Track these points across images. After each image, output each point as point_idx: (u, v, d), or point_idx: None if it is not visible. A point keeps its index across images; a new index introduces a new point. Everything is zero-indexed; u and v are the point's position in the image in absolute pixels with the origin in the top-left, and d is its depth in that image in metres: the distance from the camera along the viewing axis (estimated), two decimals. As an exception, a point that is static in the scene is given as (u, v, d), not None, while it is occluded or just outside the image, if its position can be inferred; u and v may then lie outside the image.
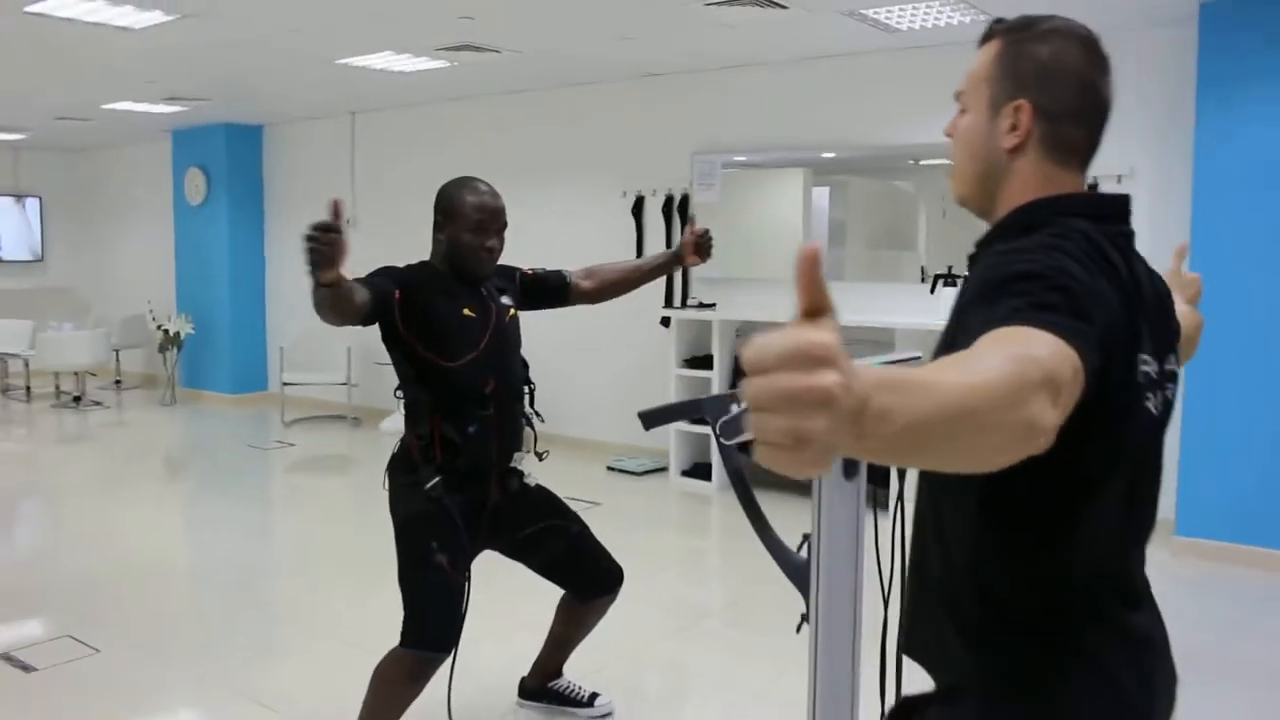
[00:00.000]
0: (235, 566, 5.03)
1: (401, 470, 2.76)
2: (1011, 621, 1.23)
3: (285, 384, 8.92)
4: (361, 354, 8.47)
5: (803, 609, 1.96)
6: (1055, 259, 1.11)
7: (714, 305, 6.67)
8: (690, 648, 3.99)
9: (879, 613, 1.80)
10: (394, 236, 8.02)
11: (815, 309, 0.73)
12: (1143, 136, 5.29)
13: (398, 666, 2.70)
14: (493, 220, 2.74)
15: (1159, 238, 5.12)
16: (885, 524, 1.99)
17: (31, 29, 5.49)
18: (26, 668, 3.66)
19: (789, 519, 1.94)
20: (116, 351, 10.41)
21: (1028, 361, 0.92)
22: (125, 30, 5.52)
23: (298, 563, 5.24)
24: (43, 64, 6.60)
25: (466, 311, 2.73)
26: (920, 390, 0.83)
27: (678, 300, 6.99)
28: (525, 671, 3.34)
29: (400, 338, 2.67)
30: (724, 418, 1.55)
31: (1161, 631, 1.32)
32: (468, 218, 2.71)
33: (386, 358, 2.75)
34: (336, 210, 2.13)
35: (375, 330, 2.69)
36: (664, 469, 6.76)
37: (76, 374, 9.91)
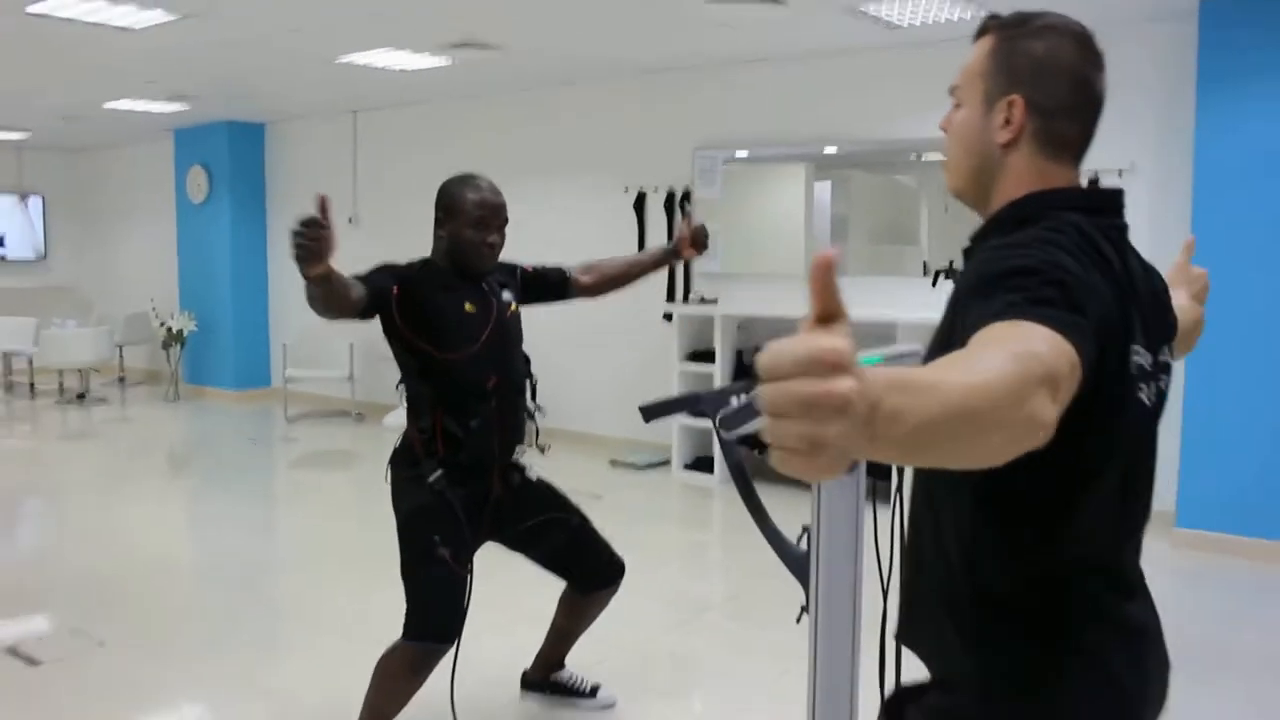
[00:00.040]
0: (239, 561, 5.05)
1: (404, 464, 2.78)
2: (1007, 612, 1.25)
3: (288, 380, 8.95)
4: (364, 350, 8.50)
5: (802, 601, 1.98)
6: (1049, 253, 1.12)
7: (716, 300, 6.68)
8: (692, 640, 4.01)
9: (878, 604, 1.81)
10: (396, 234, 8.03)
11: (828, 314, 0.74)
12: (1143, 131, 5.30)
13: (400, 659, 2.72)
14: (494, 216, 2.76)
15: (1159, 232, 5.17)
16: (884, 516, 2.01)
17: (33, 29, 5.50)
18: (32, 661, 3.69)
19: (789, 512, 1.96)
20: (120, 348, 10.44)
21: (1029, 358, 0.94)
22: (126, 30, 5.54)
23: (301, 557, 5.27)
24: (44, 64, 6.62)
25: (468, 307, 2.75)
26: (929, 391, 0.84)
27: (680, 295, 7.01)
28: (528, 664, 3.36)
29: (400, 333, 2.69)
30: (723, 411, 1.57)
31: (1155, 621, 1.34)
32: (469, 214, 2.73)
33: (389, 353, 2.77)
34: (323, 206, 2.15)
35: (378, 326, 2.71)
36: (666, 463, 6.77)
37: (80, 371, 9.94)
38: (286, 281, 9.65)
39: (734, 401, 1.65)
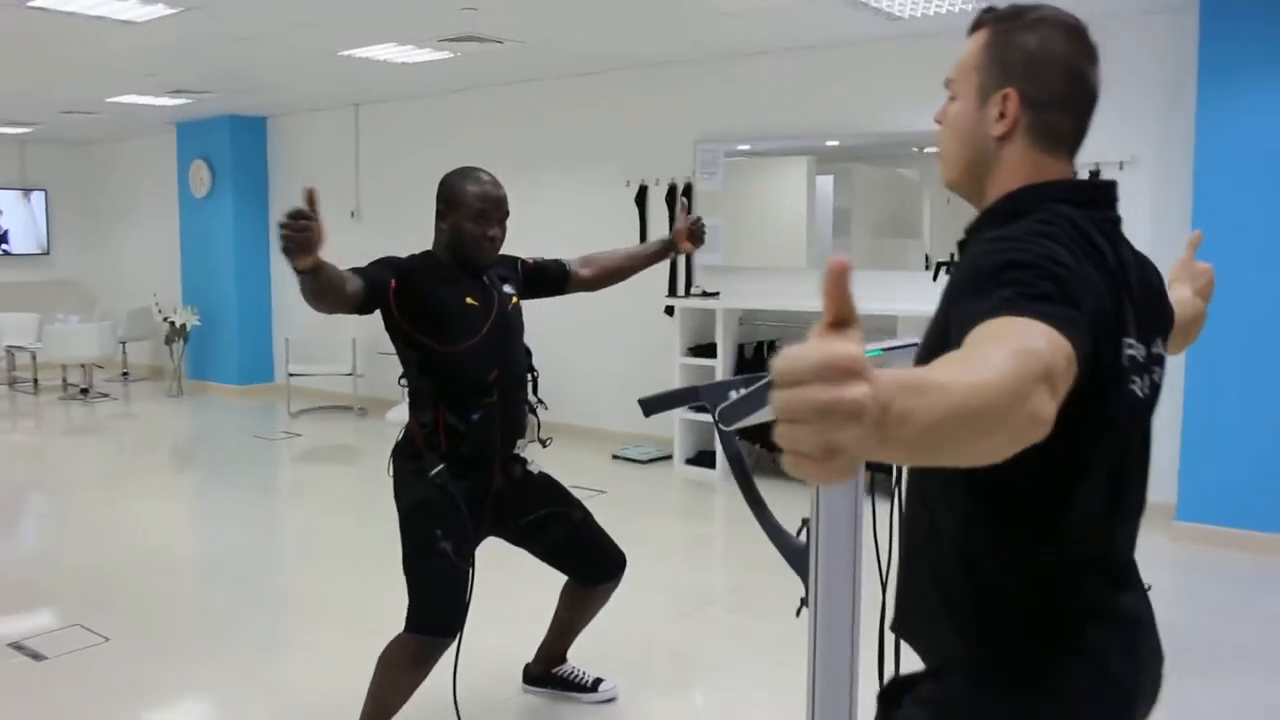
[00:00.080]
0: (242, 557, 5.07)
1: (406, 457, 2.79)
2: (1000, 604, 1.25)
3: (291, 375, 8.96)
4: (367, 345, 8.51)
5: (802, 593, 1.98)
6: (1044, 246, 1.13)
7: (718, 294, 6.68)
8: (694, 634, 4.02)
9: (878, 596, 1.82)
10: (398, 227, 8.06)
11: (842, 319, 0.75)
12: (1144, 124, 5.29)
13: (403, 651, 2.73)
14: (495, 209, 2.76)
15: (1161, 225, 5.16)
16: (883, 509, 2.01)
17: (35, 23, 5.51)
18: (37, 656, 3.70)
19: (788, 505, 1.96)
20: (123, 344, 10.45)
21: (1029, 355, 0.94)
22: (128, 24, 5.54)
23: (304, 553, 5.28)
24: (46, 58, 6.63)
25: (469, 300, 2.76)
26: (935, 391, 0.84)
27: (682, 289, 7.01)
28: (530, 658, 3.38)
29: (399, 326, 2.70)
30: (723, 404, 1.58)
31: (1148, 612, 1.34)
32: (470, 207, 2.74)
33: (391, 348, 2.78)
34: (311, 199, 2.16)
35: (380, 321, 2.72)
36: (669, 457, 6.78)
37: (83, 366, 9.96)
38: (289, 276, 9.60)
39: (733, 395, 1.66)
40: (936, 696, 1.31)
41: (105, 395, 9.97)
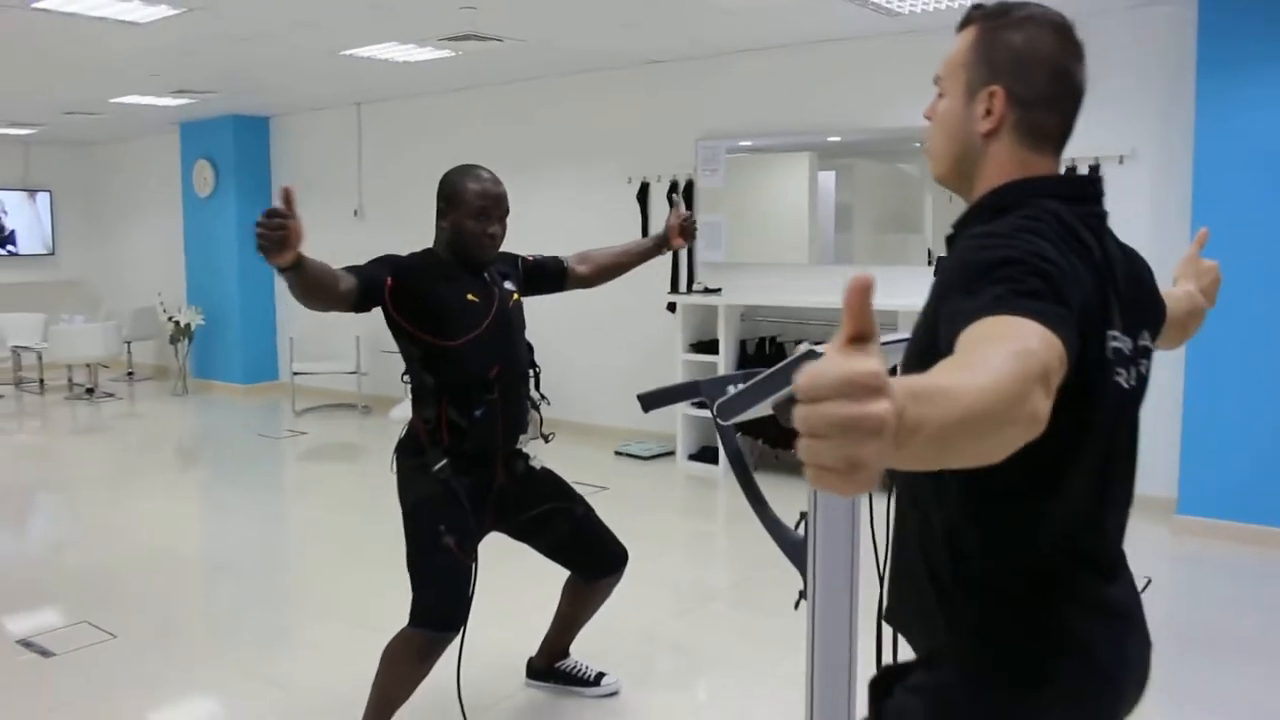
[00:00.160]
0: (248, 554, 5.10)
1: (409, 453, 2.81)
2: (989, 595, 1.27)
3: (295, 373, 8.99)
4: (371, 343, 8.53)
5: (801, 587, 2.00)
6: (1031, 242, 1.14)
7: (719, 290, 6.70)
8: (696, 629, 4.04)
9: (875, 588, 1.84)
10: (400, 225, 8.08)
11: (861, 334, 0.77)
12: (1144, 117, 5.29)
13: (407, 646, 2.75)
14: (495, 206, 2.78)
15: (1160, 219, 5.17)
16: (880, 502, 2.03)
17: (38, 25, 5.53)
18: (45, 653, 3.74)
19: (788, 499, 1.98)
20: (128, 343, 10.48)
21: (1026, 356, 0.96)
22: (131, 25, 5.57)
23: (309, 550, 5.31)
24: (50, 59, 6.66)
25: (470, 297, 2.78)
26: (942, 397, 0.86)
27: (683, 285, 7.02)
28: (533, 652, 3.40)
29: (398, 324, 2.72)
30: (721, 399, 1.59)
31: (1136, 601, 1.36)
32: (470, 204, 2.75)
33: (395, 346, 2.80)
34: (287, 197, 2.18)
35: (384, 318, 2.74)
36: (671, 453, 6.80)
37: (89, 366, 10.00)
38: (292, 275, 9.67)
39: (731, 390, 1.68)
40: (928, 685, 1.33)
41: (110, 395, 10.00)
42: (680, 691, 3.51)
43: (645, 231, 7.18)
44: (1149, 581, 4.18)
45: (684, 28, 5.99)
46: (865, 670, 1.65)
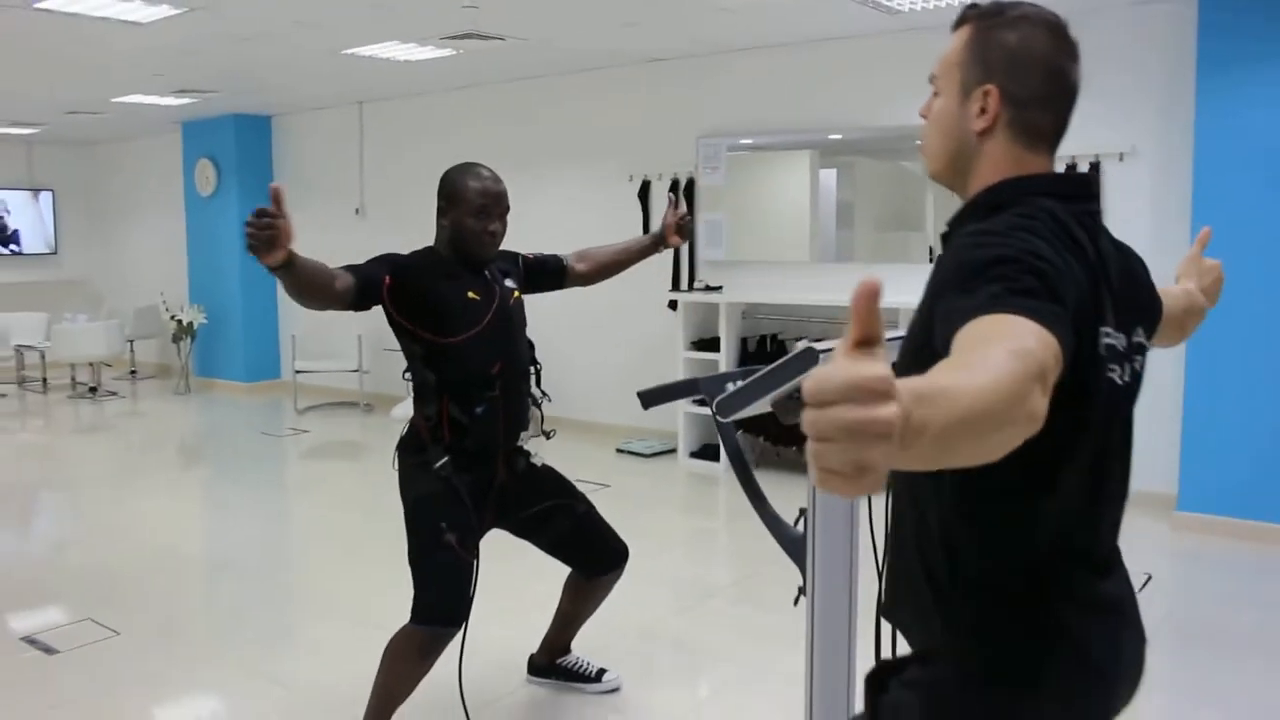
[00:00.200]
0: (250, 552, 5.11)
1: (410, 451, 2.82)
2: (984, 592, 1.27)
3: (298, 372, 9.00)
4: (373, 341, 8.55)
5: (800, 583, 2.01)
6: (1026, 240, 1.15)
7: (721, 288, 6.71)
8: (696, 625, 4.05)
9: (874, 584, 1.85)
10: (402, 224, 8.09)
11: (868, 338, 0.77)
12: (1144, 115, 5.29)
13: (408, 643, 2.76)
14: (495, 204, 2.79)
15: (1160, 216, 5.17)
16: (879, 498, 2.04)
17: (40, 25, 5.55)
18: (49, 650, 3.75)
19: (787, 496, 1.99)
20: (131, 342, 10.51)
21: (1024, 355, 0.96)
22: (133, 25, 5.58)
23: (311, 547, 5.32)
24: (52, 59, 6.67)
25: (471, 294, 2.79)
26: (944, 399, 0.87)
27: (684, 283, 7.03)
28: (534, 649, 3.41)
29: (398, 322, 2.73)
30: (721, 396, 1.60)
31: (1131, 597, 1.36)
32: (470, 202, 2.76)
33: (397, 344, 2.81)
34: (276, 196, 2.19)
35: (385, 317, 2.75)
36: (672, 451, 6.81)
37: (92, 365, 10.02)
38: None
39: (730, 387, 1.69)
40: (924, 680, 1.33)
41: (113, 393, 10.02)
42: (681, 688, 3.52)
43: (646, 230, 7.19)
44: (1149, 578, 4.19)
45: (685, 26, 6.00)
46: (864, 666, 1.66)
